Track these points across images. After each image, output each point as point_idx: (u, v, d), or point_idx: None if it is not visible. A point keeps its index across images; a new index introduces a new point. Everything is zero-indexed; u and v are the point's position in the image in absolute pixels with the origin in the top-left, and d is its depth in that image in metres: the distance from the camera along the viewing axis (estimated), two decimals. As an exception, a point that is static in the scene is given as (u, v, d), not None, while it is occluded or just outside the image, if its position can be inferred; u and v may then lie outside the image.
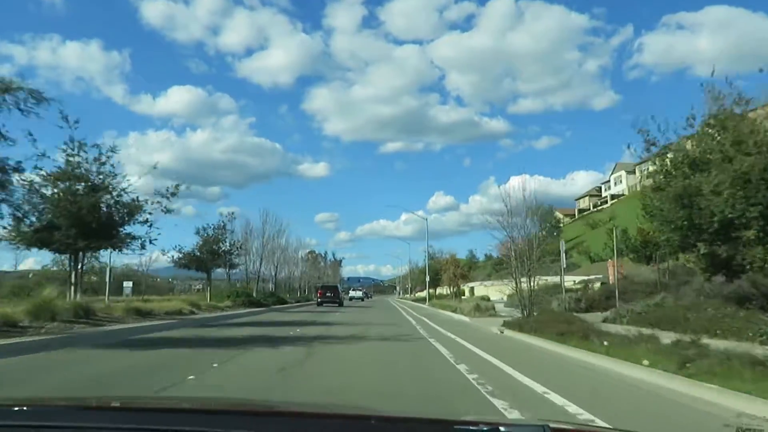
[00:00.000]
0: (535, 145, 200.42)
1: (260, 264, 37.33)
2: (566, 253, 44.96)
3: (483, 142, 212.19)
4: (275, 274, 41.80)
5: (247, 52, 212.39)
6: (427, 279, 49.57)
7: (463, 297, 52.65)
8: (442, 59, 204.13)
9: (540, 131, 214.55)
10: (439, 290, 75.06)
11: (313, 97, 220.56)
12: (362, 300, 77.77)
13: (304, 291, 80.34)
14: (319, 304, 43.29)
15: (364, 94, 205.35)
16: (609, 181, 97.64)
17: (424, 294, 69.16)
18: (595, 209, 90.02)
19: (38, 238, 14.69)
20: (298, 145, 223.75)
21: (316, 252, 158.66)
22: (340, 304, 44.50)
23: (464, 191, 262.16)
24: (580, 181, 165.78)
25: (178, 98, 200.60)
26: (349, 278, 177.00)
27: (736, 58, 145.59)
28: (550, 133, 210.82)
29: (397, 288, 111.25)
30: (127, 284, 59.26)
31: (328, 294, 44.57)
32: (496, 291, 48.61)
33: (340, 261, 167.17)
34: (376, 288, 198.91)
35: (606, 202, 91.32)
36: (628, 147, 15.51)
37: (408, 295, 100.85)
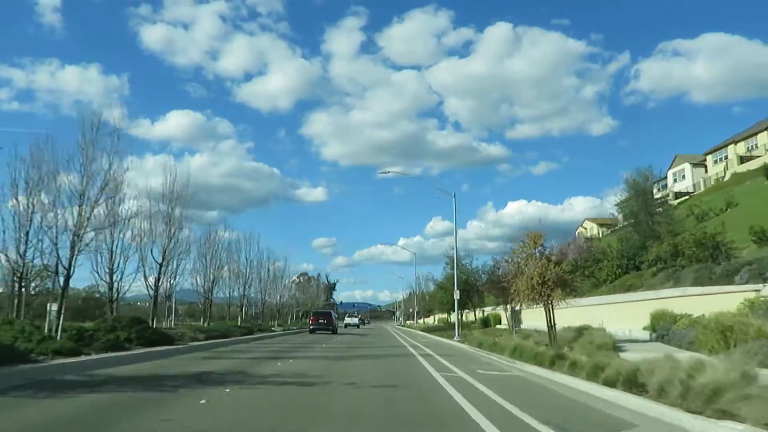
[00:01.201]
0: (533, 170, 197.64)
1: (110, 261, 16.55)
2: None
3: (481, 167, 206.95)
4: (157, 283, 20.97)
5: (246, 76, 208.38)
6: (457, 296, 28.76)
7: (490, 326, 31.85)
8: (440, 85, 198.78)
9: (538, 156, 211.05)
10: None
11: (312, 121, 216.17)
12: (357, 327, 70.79)
13: (292, 317, 61.70)
14: (312, 331, 39.59)
15: (362, 118, 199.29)
16: (666, 177, 77.57)
17: (434, 321, 48.20)
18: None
19: None
20: (296, 170, 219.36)
21: (309, 274, 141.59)
22: (334, 332, 40.13)
23: (462, 216, 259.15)
24: (578, 206, 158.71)
25: (176, 122, 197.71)
26: (342, 303, 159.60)
27: (732, 85, 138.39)
28: (547, 158, 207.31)
29: (398, 313, 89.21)
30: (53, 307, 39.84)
31: (320, 321, 41.00)
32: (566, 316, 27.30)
33: (334, 284, 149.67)
34: (373, 314, 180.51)
35: (664, 203, 70.94)
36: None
37: (411, 322, 79.30)
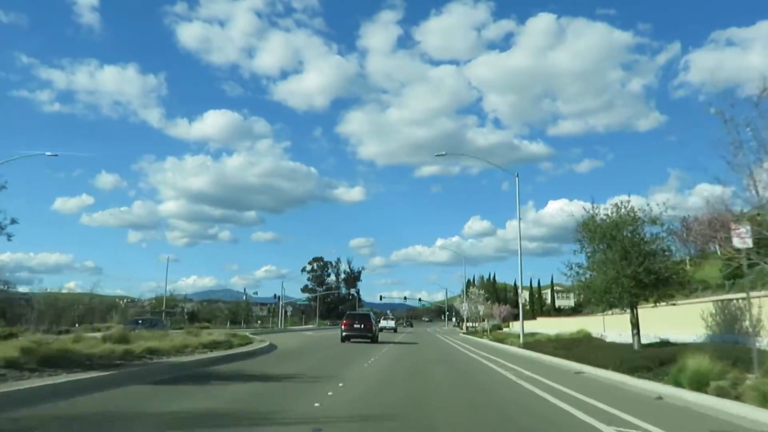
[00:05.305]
0: (576, 168, 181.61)
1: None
2: None
3: (522, 165, 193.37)
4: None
5: (282, 74, 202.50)
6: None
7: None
8: (479, 80, 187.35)
9: (581, 154, 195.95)
10: (540, 320, 42.28)
11: (348, 120, 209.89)
12: (394, 331, 59.84)
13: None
14: (345, 339, 31.27)
15: (399, 116, 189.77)
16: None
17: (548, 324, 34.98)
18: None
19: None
20: (333, 170, 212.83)
21: (325, 259, 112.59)
22: (374, 340, 31.99)
23: (501, 216, 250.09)
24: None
25: (213, 122, 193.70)
26: (364, 301, 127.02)
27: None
28: (591, 155, 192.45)
29: (464, 309, 67.38)
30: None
31: (356, 325, 32.25)
32: None
33: (358, 273, 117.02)
34: (410, 314, 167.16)
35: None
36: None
37: (487, 326, 57.86)
